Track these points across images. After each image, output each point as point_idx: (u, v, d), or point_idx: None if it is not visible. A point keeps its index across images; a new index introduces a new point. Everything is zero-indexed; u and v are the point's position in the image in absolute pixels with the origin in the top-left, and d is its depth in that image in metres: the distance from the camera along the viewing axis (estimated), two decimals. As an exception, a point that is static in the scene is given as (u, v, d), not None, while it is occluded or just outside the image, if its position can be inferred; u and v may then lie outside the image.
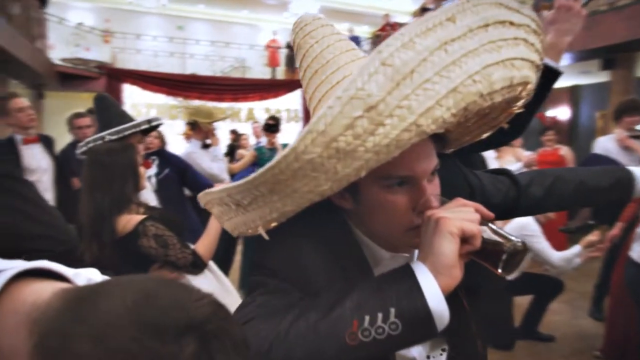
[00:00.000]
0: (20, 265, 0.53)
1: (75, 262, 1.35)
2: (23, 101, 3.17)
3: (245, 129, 8.63)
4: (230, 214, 0.75)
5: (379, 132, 0.55)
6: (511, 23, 0.63)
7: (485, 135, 0.95)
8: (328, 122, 0.54)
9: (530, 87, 0.69)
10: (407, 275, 0.61)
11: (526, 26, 0.66)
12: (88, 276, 0.61)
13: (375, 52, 0.55)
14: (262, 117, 13.95)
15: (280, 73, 14.13)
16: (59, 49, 11.30)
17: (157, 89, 11.54)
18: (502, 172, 1.02)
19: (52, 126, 7.57)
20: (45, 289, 0.49)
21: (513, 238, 0.63)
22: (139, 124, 2.13)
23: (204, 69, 13.16)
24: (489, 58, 0.59)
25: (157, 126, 2.34)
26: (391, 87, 0.54)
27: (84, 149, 2.04)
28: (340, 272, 0.72)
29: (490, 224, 0.66)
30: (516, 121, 1.53)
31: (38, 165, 3.23)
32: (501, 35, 0.61)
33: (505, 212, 1.00)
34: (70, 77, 10.95)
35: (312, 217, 0.79)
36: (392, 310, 0.58)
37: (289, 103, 13.90)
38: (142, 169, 1.86)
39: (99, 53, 12.39)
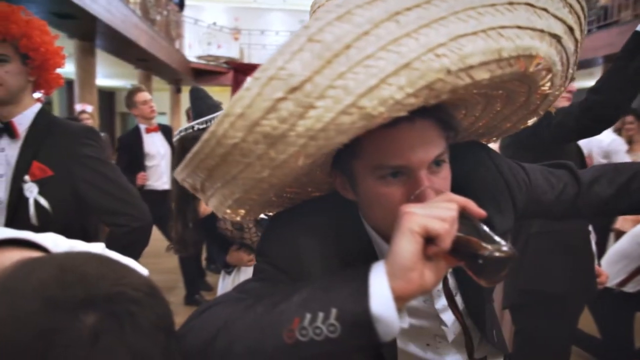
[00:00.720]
0: (4, 234, 0.56)
1: (146, 237, 1.45)
2: (146, 95, 3.54)
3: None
4: (204, 198, 0.72)
5: (310, 115, 0.48)
6: None
7: (530, 122, 0.81)
8: (246, 104, 0.49)
9: (547, 60, 0.57)
10: (360, 275, 0.54)
11: None
12: (71, 246, 0.65)
13: (303, 27, 0.48)
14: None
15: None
16: (195, 48, 12.55)
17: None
18: (563, 166, 0.90)
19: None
20: (14, 258, 0.50)
21: (498, 242, 0.52)
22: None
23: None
24: (461, 28, 0.49)
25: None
26: (320, 66, 0.47)
27: (177, 137, 2.18)
28: (341, 267, 0.67)
29: (481, 225, 0.55)
30: (610, 111, 1.34)
31: (157, 151, 3.59)
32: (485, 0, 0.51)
33: (563, 212, 0.88)
34: (203, 73, 12.12)
35: (321, 209, 0.76)
36: (334, 311, 0.52)
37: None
38: None
39: (229, 50, 13.47)
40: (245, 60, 13.47)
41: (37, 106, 1.43)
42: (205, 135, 0.54)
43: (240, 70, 12.30)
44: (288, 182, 0.66)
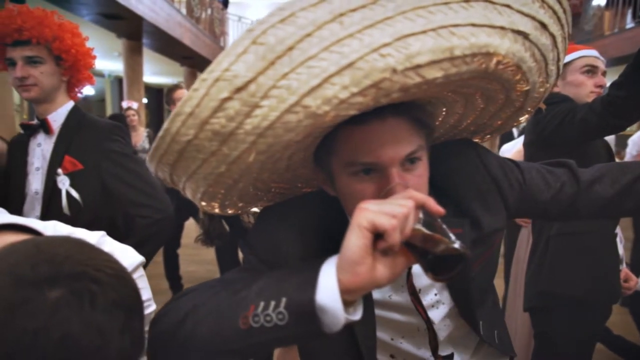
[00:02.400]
0: (5, 220, 0.63)
1: (168, 228, 1.52)
2: (184, 92, 3.66)
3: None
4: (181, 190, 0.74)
5: (256, 114, 0.50)
6: None
7: (523, 119, 0.81)
8: (194, 104, 0.51)
9: (510, 57, 0.56)
10: (314, 267, 0.55)
11: None
12: (70, 232, 0.71)
13: (247, 30, 0.50)
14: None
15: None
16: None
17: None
18: (563, 165, 0.87)
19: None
20: (9, 240, 0.56)
21: (450, 241, 0.52)
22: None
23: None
24: (408, 27, 0.49)
25: None
26: (263, 67, 0.49)
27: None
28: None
29: (439, 222, 0.55)
30: (632, 108, 1.27)
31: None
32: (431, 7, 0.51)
33: (561, 212, 0.85)
34: (246, 69, 12.34)
35: (305, 204, 0.78)
36: (284, 300, 0.54)
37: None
38: None
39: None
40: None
41: (70, 104, 1.53)
42: (160, 132, 0.56)
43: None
44: (264, 179, 0.68)
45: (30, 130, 1.51)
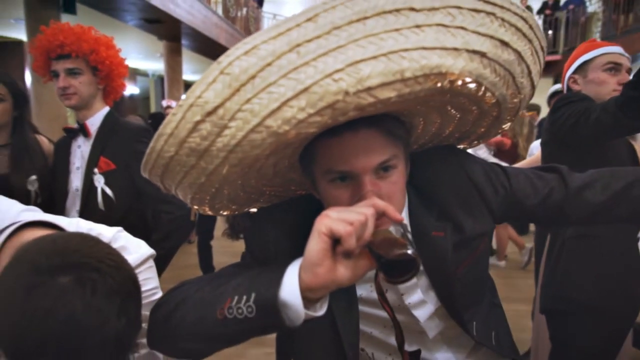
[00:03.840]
0: (30, 217, 0.75)
1: (188, 224, 1.66)
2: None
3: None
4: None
5: (226, 134, 0.57)
6: (412, 9, 0.55)
7: (505, 126, 0.81)
8: (173, 126, 0.59)
9: (467, 75, 0.59)
10: (281, 267, 0.62)
11: (449, 9, 0.56)
12: (89, 228, 0.82)
13: (216, 62, 0.56)
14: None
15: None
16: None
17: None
18: (554, 170, 0.87)
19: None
20: (35, 235, 0.69)
21: (404, 247, 0.57)
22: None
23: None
24: (359, 54, 0.54)
25: None
26: (230, 94, 0.55)
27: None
28: None
29: (399, 229, 0.60)
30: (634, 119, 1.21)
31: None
32: (388, 25, 0.55)
33: (551, 217, 0.85)
34: (282, 66, 12.52)
35: (294, 207, 0.84)
36: (253, 295, 0.61)
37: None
38: None
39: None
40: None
41: (106, 109, 1.69)
42: (147, 150, 0.65)
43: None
44: (251, 185, 0.76)
45: (71, 133, 1.69)
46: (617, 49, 1.55)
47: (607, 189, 0.83)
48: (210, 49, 8.34)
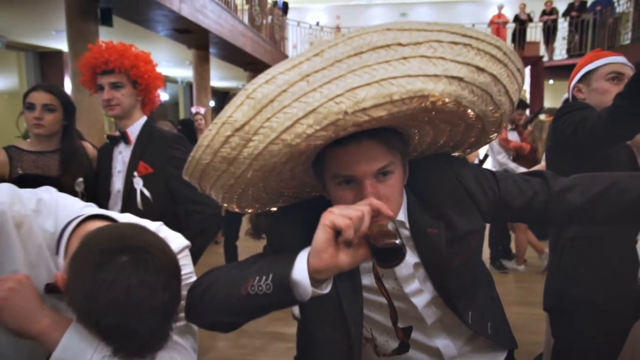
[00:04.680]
0: (91, 211, 0.91)
1: (218, 222, 1.81)
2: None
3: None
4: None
5: (250, 146, 0.71)
6: (400, 44, 0.67)
7: (493, 136, 0.93)
8: (210, 139, 0.73)
9: (447, 96, 0.70)
10: (293, 253, 0.75)
11: (431, 43, 0.68)
12: (137, 221, 0.97)
13: (243, 89, 0.70)
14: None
15: (507, 50, 13.07)
16: (299, 48, 13.20)
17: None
18: (539, 175, 0.96)
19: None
20: (96, 225, 0.85)
21: (393, 238, 0.69)
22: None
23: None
24: (357, 81, 0.66)
25: None
26: (254, 114, 0.69)
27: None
28: None
29: (391, 223, 0.71)
30: (634, 118, 1.25)
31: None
32: (380, 58, 0.67)
33: (536, 217, 0.94)
34: (305, 72, 12.73)
35: (308, 206, 0.96)
36: (271, 275, 0.75)
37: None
38: None
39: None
40: (346, 57, 13.80)
41: (144, 119, 1.88)
42: (189, 158, 0.80)
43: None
44: (272, 187, 0.89)
45: (114, 140, 1.88)
46: (621, 59, 1.60)
47: (587, 192, 0.90)
48: (237, 57, 8.61)
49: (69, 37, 4.72)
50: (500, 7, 13.22)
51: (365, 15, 15.46)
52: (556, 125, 1.57)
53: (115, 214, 0.96)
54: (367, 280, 0.93)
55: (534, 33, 12.91)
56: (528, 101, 11.41)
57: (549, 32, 12.37)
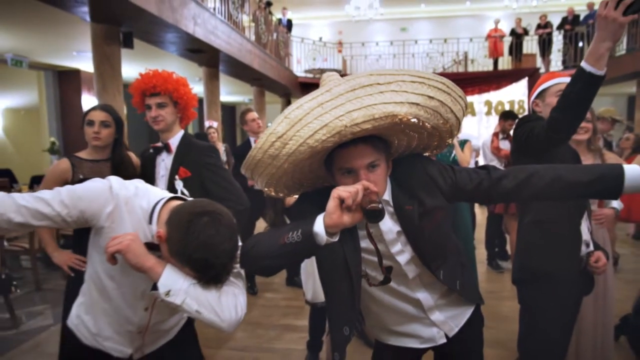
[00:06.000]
0: (171, 195, 1.29)
1: (245, 218, 2.20)
2: (254, 114, 4.44)
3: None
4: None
5: (287, 147, 1.07)
6: (378, 83, 1.05)
7: (450, 141, 1.30)
8: (261, 143, 1.10)
9: (408, 115, 1.08)
10: (314, 217, 1.09)
11: (397, 82, 1.06)
12: None
13: (283, 113, 1.06)
14: (481, 110, 13.85)
15: (506, 63, 13.50)
16: (303, 63, 13.70)
17: (378, 89, 12.71)
18: (485, 168, 1.32)
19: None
20: (176, 203, 1.23)
21: (376, 205, 1.04)
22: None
23: (423, 67, 13.73)
24: (351, 106, 1.04)
25: None
26: (289, 127, 1.05)
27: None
28: None
29: (378, 197, 1.08)
30: (562, 127, 1.60)
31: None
32: (366, 92, 1.04)
33: (482, 197, 1.31)
34: (309, 86, 13.17)
35: (322, 192, 1.29)
36: (300, 229, 1.09)
37: (512, 95, 13.20)
38: None
39: (333, 62, 14.40)
40: (348, 71, 14.25)
41: (182, 132, 2.27)
42: (247, 157, 1.15)
43: (342, 81, 13.09)
44: (297, 177, 1.25)
45: (157, 150, 2.26)
46: (567, 79, 1.84)
47: (515, 179, 1.24)
48: (245, 73, 9.06)
49: (95, 59, 5.14)
50: (497, 22, 13.71)
51: (367, 30, 15.90)
52: (516, 133, 1.92)
53: (184, 197, 1.33)
54: (364, 243, 1.29)
55: (530, 46, 13.37)
56: (526, 111, 11.81)
57: (545, 45, 12.82)
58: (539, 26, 13.01)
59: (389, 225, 1.28)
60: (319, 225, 1.07)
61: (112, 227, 1.22)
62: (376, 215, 1.06)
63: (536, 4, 12.85)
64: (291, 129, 1.06)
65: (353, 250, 1.27)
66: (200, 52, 6.70)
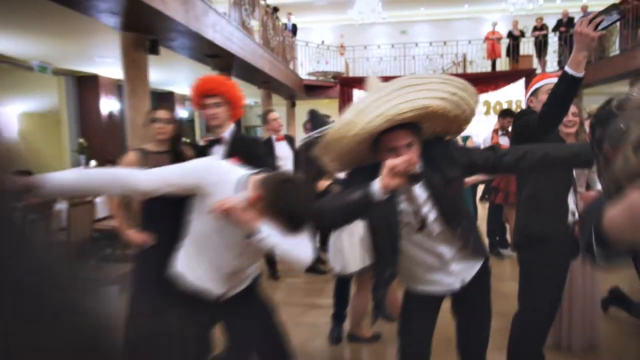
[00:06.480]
0: (253, 171, 1.71)
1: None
2: (276, 114, 4.85)
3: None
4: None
5: (351, 130, 1.49)
6: (417, 84, 1.48)
7: (464, 127, 1.72)
8: (335, 129, 1.54)
9: (436, 107, 1.51)
10: (369, 183, 1.49)
11: (430, 83, 1.49)
12: None
13: (349, 109, 1.50)
14: (480, 110, 14.31)
15: (504, 64, 13.94)
16: (306, 66, 14.10)
17: (379, 91, 13.13)
18: (492, 149, 1.75)
19: (301, 127, 9.98)
20: (260, 176, 1.65)
21: (415, 172, 1.47)
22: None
23: (423, 69, 14.17)
24: (398, 101, 1.46)
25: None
26: (354, 116, 1.47)
27: (302, 143, 3.35)
28: None
29: (416, 167, 1.50)
30: (548, 124, 2.01)
31: (284, 154, 4.86)
32: (408, 91, 1.48)
33: (489, 170, 1.74)
34: (313, 88, 13.62)
35: (365, 168, 1.72)
36: (360, 191, 1.48)
37: (509, 95, 13.64)
38: None
39: (335, 65, 14.81)
40: (350, 74, 14.66)
41: (232, 126, 2.68)
42: (321, 141, 1.58)
43: (345, 84, 13.52)
44: (351, 157, 1.66)
45: (211, 143, 2.67)
46: (556, 79, 2.20)
47: (514, 155, 1.65)
48: (255, 76, 9.48)
49: (124, 64, 5.56)
50: (495, 24, 14.14)
51: (368, 33, 16.27)
52: (514, 125, 2.36)
53: (265, 170, 1.74)
54: (403, 205, 1.72)
55: (527, 47, 13.81)
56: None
57: (541, 46, 13.27)
58: (535, 28, 13.46)
59: (419, 191, 1.70)
60: (375, 187, 1.48)
61: (216, 193, 1.63)
62: (415, 179, 1.48)
63: (532, 6, 13.29)
64: (356, 117, 1.49)
65: (394, 209, 1.69)
66: (216, 56, 7.12)
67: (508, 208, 5.20)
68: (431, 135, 1.77)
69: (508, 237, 5.66)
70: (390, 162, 1.47)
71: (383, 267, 1.75)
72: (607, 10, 1.69)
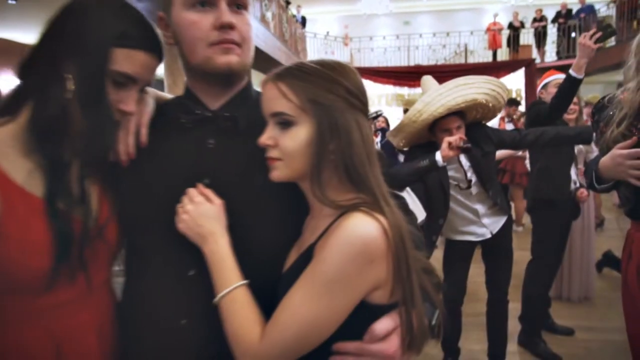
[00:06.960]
0: None
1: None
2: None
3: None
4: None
5: (421, 116, 2.12)
6: (468, 83, 2.08)
7: (499, 114, 2.31)
8: (408, 116, 2.15)
9: (479, 102, 2.12)
10: (432, 154, 2.11)
11: (477, 82, 2.09)
12: None
13: (419, 100, 2.11)
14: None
15: (504, 54, 14.46)
16: (314, 57, 14.50)
17: (385, 81, 13.50)
18: (518, 130, 2.34)
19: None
20: None
21: (467, 144, 2.05)
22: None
23: (426, 59, 14.67)
24: (455, 96, 2.07)
25: (378, 116, 4.12)
26: (424, 106, 2.11)
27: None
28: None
29: (467, 141, 2.09)
30: (557, 113, 2.62)
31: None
32: (462, 88, 2.08)
33: (515, 146, 2.38)
34: (321, 78, 14.05)
35: (423, 145, 2.34)
36: (427, 160, 2.10)
37: (510, 83, 14.16)
38: (373, 138, 3.68)
39: (341, 55, 15.23)
40: (355, 64, 15.08)
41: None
42: (399, 123, 2.21)
43: (352, 73, 13.97)
44: (415, 137, 2.27)
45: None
46: (563, 76, 2.84)
47: (534, 135, 2.29)
48: (269, 66, 9.96)
49: (166, 58, 6.06)
50: (496, 15, 14.63)
51: (372, 24, 16.66)
52: (529, 113, 2.98)
53: None
54: (452, 172, 2.32)
55: (527, 38, 14.32)
56: (523, 98, 12.82)
57: (540, 37, 13.78)
58: (534, 19, 13.96)
59: (465, 162, 2.31)
60: (437, 157, 2.08)
61: None
62: (467, 149, 2.07)
63: (532, -2, 13.80)
64: (425, 107, 2.08)
65: (445, 174, 2.29)
66: (241, 50, 7.61)
67: (513, 187, 5.80)
68: (472, 120, 2.36)
69: (513, 213, 6.25)
70: (448, 139, 2.05)
71: (436, 217, 2.34)
72: (604, 28, 2.27)
